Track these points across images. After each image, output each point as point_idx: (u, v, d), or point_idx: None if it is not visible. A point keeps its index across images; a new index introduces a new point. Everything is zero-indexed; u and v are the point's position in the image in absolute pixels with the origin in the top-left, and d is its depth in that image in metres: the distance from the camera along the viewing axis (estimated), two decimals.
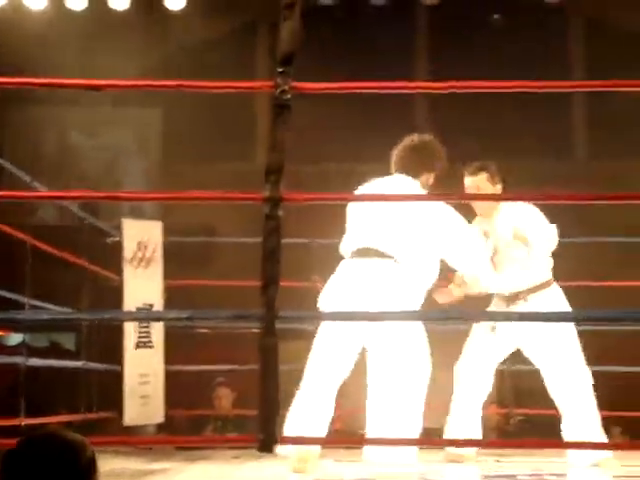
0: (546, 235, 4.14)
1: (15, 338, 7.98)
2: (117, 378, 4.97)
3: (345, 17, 9.43)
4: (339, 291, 3.70)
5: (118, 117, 8.79)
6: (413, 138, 3.94)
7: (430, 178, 3.90)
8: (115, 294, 5.03)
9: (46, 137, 8.91)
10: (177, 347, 5.34)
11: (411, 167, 3.86)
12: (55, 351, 7.64)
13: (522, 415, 6.05)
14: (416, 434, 3.62)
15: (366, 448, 3.69)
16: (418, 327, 3.66)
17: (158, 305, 5.06)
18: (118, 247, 5.08)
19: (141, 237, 5.07)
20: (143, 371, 5.03)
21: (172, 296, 5.26)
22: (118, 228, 5.14)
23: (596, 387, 4.15)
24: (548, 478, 3.63)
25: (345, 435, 5.24)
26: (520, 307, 4.10)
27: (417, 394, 3.69)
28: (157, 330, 5.07)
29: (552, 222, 4.19)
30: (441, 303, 3.97)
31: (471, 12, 9.42)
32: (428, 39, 10.01)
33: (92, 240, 5.29)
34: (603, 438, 4.05)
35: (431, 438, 4.08)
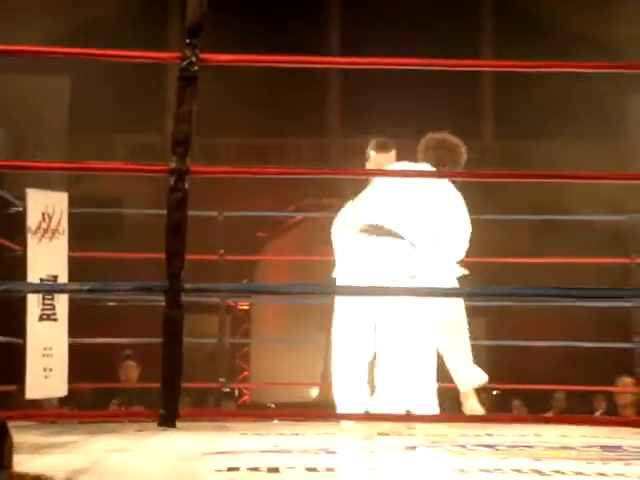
0: None
1: None
2: (19, 351, 4.88)
3: None
4: (360, 266, 3.85)
5: (24, 85, 8.57)
6: (433, 136, 4.14)
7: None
8: (19, 265, 4.93)
9: None
10: (84, 320, 5.27)
11: (435, 162, 4.05)
12: None
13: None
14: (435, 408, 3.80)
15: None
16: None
17: (63, 277, 4.98)
18: (22, 217, 4.97)
19: (46, 208, 4.98)
20: (46, 344, 4.95)
21: (79, 269, 5.18)
22: (22, 198, 5.03)
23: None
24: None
25: (254, 409, 5.28)
26: None
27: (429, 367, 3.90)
28: (62, 303, 4.99)
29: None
30: None
31: None
32: (341, 12, 10.04)
33: None
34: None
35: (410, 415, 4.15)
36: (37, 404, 5.29)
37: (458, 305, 4.00)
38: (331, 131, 10.22)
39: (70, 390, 5.24)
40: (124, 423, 4.51)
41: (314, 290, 3.45)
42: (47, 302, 4.94)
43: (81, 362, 5.31)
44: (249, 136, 9.95)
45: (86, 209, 5.92)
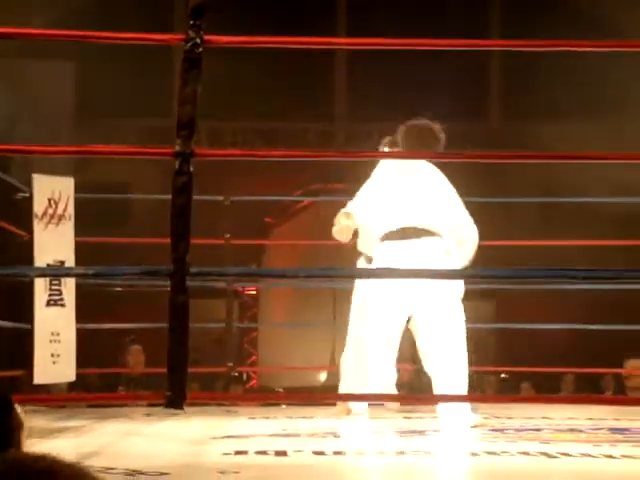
0: None
1: None
2: (27, 336, 4.89)
3: None
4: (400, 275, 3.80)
5: (30, 69, 8.55)
6: (418, 122, 4.12)
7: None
8: (25, 251, 4.92)
9: None
10: (91, 306, 5.27)
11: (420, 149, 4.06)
12: None
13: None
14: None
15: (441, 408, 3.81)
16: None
17: (70, 263, 4.96)
18: (28, 203, 4.96)
19: (52, 193, 4.96)
20: (54, 329, 4.95)
21: (86, 254, 5.18)
22: (28, 184, 5.02)
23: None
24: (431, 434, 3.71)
25: (263, 392, 5.28)
26: None
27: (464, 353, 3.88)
28: (69, 288, 4.99)
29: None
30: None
31: None
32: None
33: (1, 196, 5.16)
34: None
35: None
36: (45, 389, 5.30)
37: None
38: (338, 117, 10.19)
39: (78, 375, 5.25)
40: (133, 408, 4.52)
41: (321, 274, 3.44)
42: (54, 288, 4.94)
43: (89, 348, 5.32)
44: (256, 120, 9.93)
45: (93, 194, 5.91)
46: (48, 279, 4.81)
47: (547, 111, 9.45)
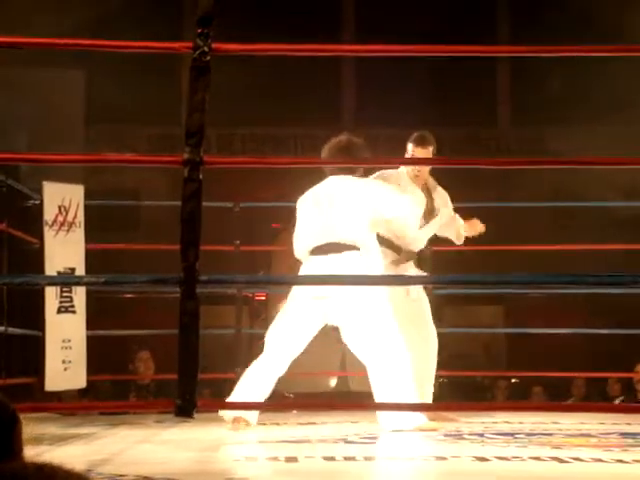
0: None
1: None
2: (38, 343, 4.90)
3: None
4: (315, 289, 3.88)
5: (41, 78, 8.59)
6: (340, 139, 4.16)
7: (361, 169, 4.18)
8: (36, 258, 4.95)
9: None
10: (102, 312, 5.29)
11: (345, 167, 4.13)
12: None
13: (444, 377, 6.16)
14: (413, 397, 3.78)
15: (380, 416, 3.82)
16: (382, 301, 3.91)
17: (80, 270, 4.99)
18: (39, 211, 4.98)
19: (62, 201, 4.98)
20: (65, 336, 4.97)
21: (96, 261, 5.20)
22: (39, 191, 5.04)
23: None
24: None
25: (272, 399, 5.25)
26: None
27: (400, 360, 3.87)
28: (79, 295, 5.01)
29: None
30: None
31: None
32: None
33: (12, 203, 5.18)
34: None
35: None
36: (57, 396, 5.32)
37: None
38: (345, 122, 10.20)
39: (89, 382, 5.27)
40: (143, 415, 4.52)
41: (329, 281, 3.44)
42: (65, 295, 4.96)
43: (98, 354, 5.34)
44: (265, 126, 9.95)
45: (103, 201, 5.93)
46: (59, 286, 4.83)
47: (556, 115, 9.44)
